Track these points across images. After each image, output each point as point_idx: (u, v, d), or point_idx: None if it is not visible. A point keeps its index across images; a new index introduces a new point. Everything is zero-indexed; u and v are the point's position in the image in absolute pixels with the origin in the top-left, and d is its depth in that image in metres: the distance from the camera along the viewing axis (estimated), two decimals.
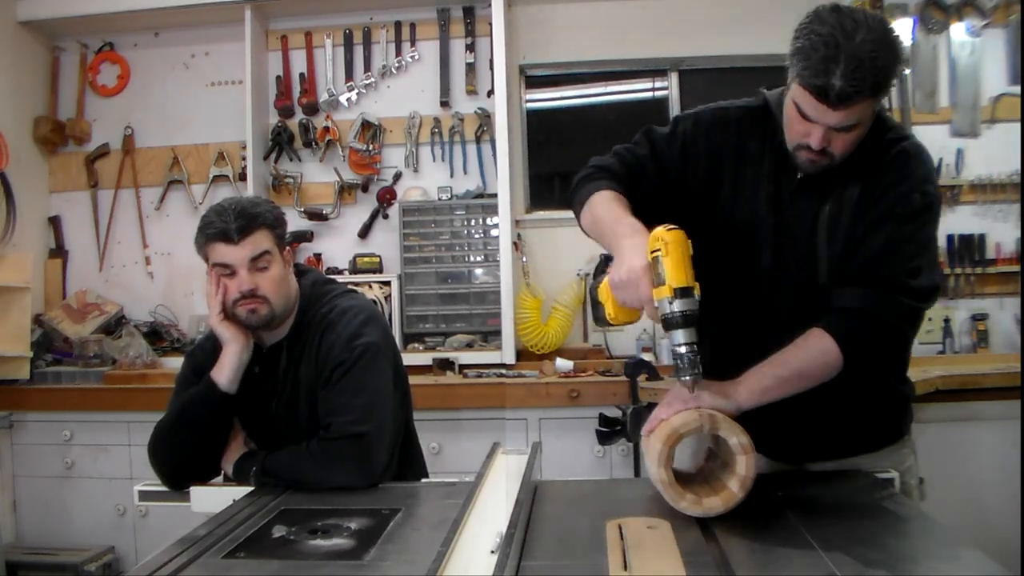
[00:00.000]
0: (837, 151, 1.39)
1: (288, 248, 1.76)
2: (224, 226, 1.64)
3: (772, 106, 1.52)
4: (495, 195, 3.36)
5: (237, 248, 1.64)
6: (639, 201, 1.51)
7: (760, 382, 1.36)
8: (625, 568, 1.08)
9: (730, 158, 1.54)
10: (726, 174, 1.54)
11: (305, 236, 3.52)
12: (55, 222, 3.73)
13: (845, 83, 1.27)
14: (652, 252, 1.27)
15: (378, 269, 3.45)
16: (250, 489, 1.61)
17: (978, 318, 3.28)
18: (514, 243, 3.34)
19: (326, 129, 3.55)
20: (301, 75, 3.61)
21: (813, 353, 1.38)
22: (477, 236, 3.45)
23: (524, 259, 3.45)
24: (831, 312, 1.40)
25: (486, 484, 1.54)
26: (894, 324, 1.40)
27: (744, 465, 1.24)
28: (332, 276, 3.35)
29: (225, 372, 1.68)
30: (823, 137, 1.36)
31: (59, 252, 3.72)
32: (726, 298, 1.51)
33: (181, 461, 1.69)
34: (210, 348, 1.75)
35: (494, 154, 3.42)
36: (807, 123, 1.37)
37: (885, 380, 1.55)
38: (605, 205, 1.50)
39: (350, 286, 1.93)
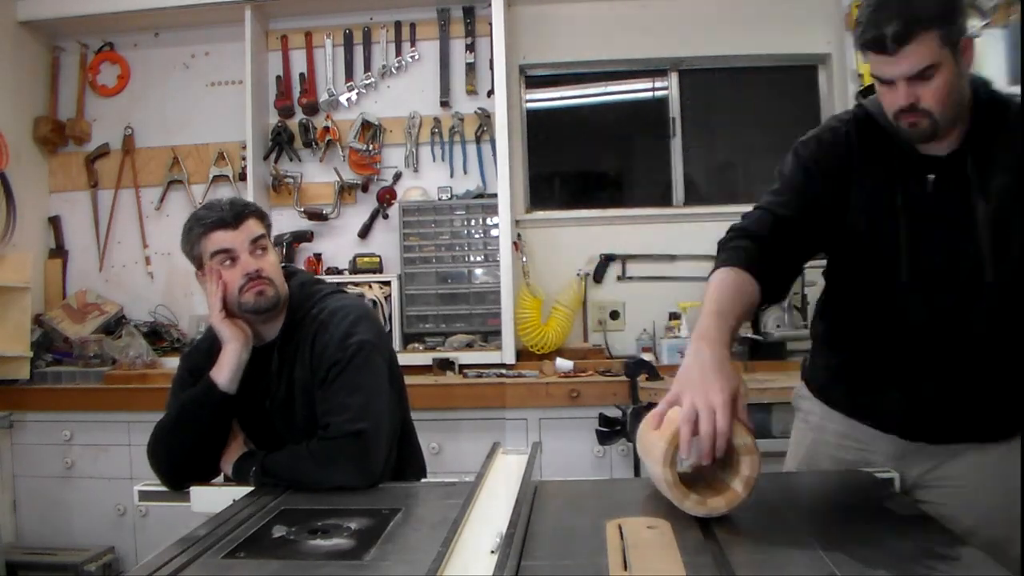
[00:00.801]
0: (932, 105, 1.35)
1: (277, 247, 1.81)
2: (220, 214, 1.69)
3: (874, 109, 1.47)
4: (495, 195, 3.36)
5: (236, 232, 1.68)
6: (789, 248, 1.48)
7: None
8: (625, 568, 1.08)
9: (854, 170, 1.49)
10: (852, 190, 1.49)
11: (305, 236, 3.52)
12: (55, 222, 3.73)
13: (896, 25, 1.28)
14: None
15: (378, 269, 3.45)
16: (250, 489, 1.61)
17: None
18: (514, 243, 3.34)
19: (326, 129, 3.55)
20: (301, 75, 3.61)
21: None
22: (477, 236, 3.45)
23: (524, 259, 3.45)
24: None
25: (486, 484, 1.54)
26: None
27: (748, 465, 1.23)
28: (332, 276, 3.39)
29: (224, 372, 1.68)
30: (907, 92, 1.34)
31: (59, 252, 3.72)
32: (863, 320, 1.50)
33: (181, 462, 1.69)
34: (205, 349, 1.76)
35: (494, 154, 3.42)
36: (889, 88, 1.36)
37: None
38: (715, 289, 1.43)
39: (340, 285, 1.95)
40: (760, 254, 1.45)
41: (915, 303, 1.46)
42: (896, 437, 1.53)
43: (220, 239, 1.68)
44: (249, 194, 3.41)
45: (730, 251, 1.48)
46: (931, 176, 1.42)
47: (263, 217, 1.76)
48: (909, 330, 1.47)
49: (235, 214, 1.69)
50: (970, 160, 1.40)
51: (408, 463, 1.86)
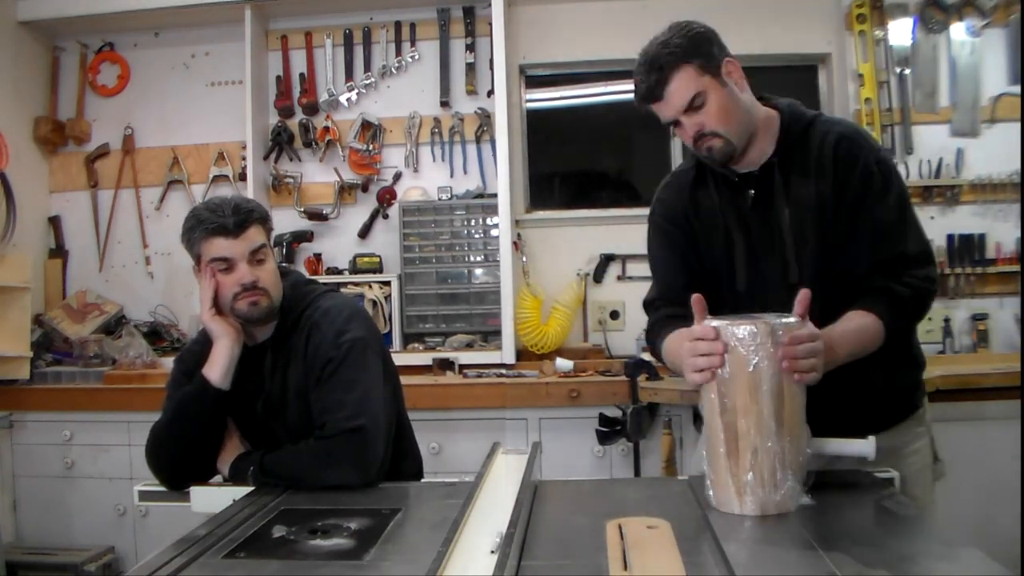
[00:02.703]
0: (716, 126, 1.53)
1: (275, 248, 1.80)
2: (221, 220, 1.65)
3: (697, 155, 1.64)
4: (495, 195, 3.36)
5: (236, 242, 1.66)
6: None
7: (849, 343, 1.44)
8: (625, 568, 1.08)
9: (690, 213, 1.68)
10: (696, 229, 1.67)
11: (305, 236, 3.52)
12: (55, 222, 3.73)
13: (654, 75, 1.53)
14: None
15: (378, 269, 3.45)
16: (250, 489, 1.61)
17: (978, 318, 3.28)
18: (514, 243, 3.34)
19: (326, 129, 3.55)
20: (301, 75, 3.61)
21: (865, 325, 1.47)
22: (477, 236, 3.45)
23: (524, 259, 3.45)
24: (865, 294, 1.50)
25: (486, 484, 1.54)
26: (921, 298, 1.53)
27: None
28: (332, 276, 3.39)
29: (217, 368, 1.68)
30: (690, 123, 1.54)
31: (59, 252, 3.72)
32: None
33: (178, 461, 1.69)
34: (198, 350, 1.76)
35: (494, 154, 3.42)
36: (679, 128, 1.57)
37: (901, 352, 1.61)
38: (668, 344, 1.61)
39: (339, 285, 1.95)
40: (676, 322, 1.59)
41: (761, 304, 1.53)
42: None
43: (219, 247, 1.67)
44: (249, 194, 3.41)
45: (659, 329, 1.66)
46: (751, 191, 1.60)
47: (266, 221, 1.74)
48: None
49: (238, 222, 1.66)
50: (776, 171, 1.57)
51: (404, 459, 1.86)
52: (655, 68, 1.53)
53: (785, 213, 1.56)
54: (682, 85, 1.52)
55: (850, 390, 1.49)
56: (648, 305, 1.75)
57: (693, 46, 1.54)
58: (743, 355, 1.29)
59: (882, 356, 1.52)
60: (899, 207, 1.55)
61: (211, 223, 1.66)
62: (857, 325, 1.48)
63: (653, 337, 1.71)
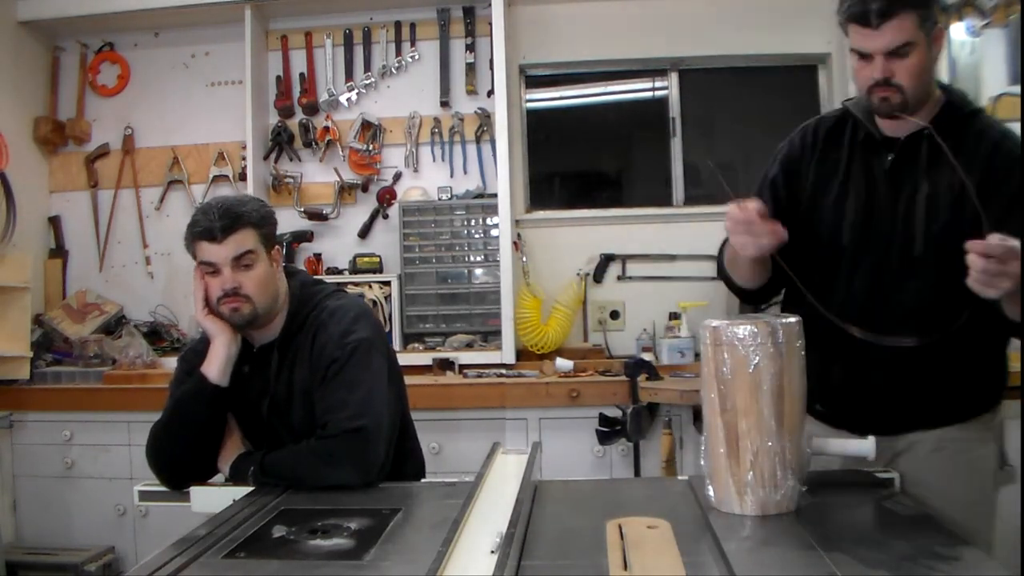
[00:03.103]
0: (904, 81, 1.48)
1: (277, 248, 1.76)
2: (208, 225, 1.65)
3: (852, 106, 1.64)
4: (495, 195, 3.35)
5: (221, 247, 1.65)
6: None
7: None
8: (625, 568, 1.08)
9: (814, 160, 1.67)
10: (810, 175, 1.66)
11: (305, 236, 3.52)
12: (55, 222, 3.73)
13: (880, 1, 1.42)
14: None
15: (378, 269, 3.45)
16: (250, 489, 1.61)
17: None
18: (514, 243, 3.34)
19: (326, 129, 3.55)
20: (301, 75, 3.61)
21: None
22: (477, 236, 3.45)
23: (524, 259, 3.44)
24: None
25: (486, 484, 1.54)
26: None
27: None
28: (332, 276, 3.39)
29: (214, 365, 1.68)
30: (883, 66, 1.48)
31: (59, 252, 3.72)
32: (813, 289, 1.58)
33: (178, 460, 1.69)
34: (201, 349, 1.75)
35: (494, 154, 3.42)
36: (867, 62, 1.50)
37: (987, 351, 1.61)
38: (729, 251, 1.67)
39: (340, 285, 1.94)
40: None
41: (860, 270, 1.57)
42: (846, 432, 1.58)
43: (205, 251, 1.67)
44: (247, 194, 3.40)
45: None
46: (890, 156, 1.58)
47: (261, 224, 1.70)
48: (852, 298, 1.56)
49: (223, 226, 1.64)
50: (925, 144, 1.54)
51: (407, 461, 1.86)
52: None
53: (924, 186, 1.54)
54: (903, 27, 1.45)
55: (928, 384, 1.52)
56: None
57: None
58: (743, 355, 1.29)
59: (958, 353, 1.53)
60: None
61: (199, 227, 1.66)
62: None
63: (720, 256, 1.75)
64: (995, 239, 1.30)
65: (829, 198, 1.63)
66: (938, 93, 1.59)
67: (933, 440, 1.57)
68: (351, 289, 3.30)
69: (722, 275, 1.78)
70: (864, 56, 1.51)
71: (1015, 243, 1.30)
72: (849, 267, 1.60)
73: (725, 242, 1.72)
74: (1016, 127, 3.17)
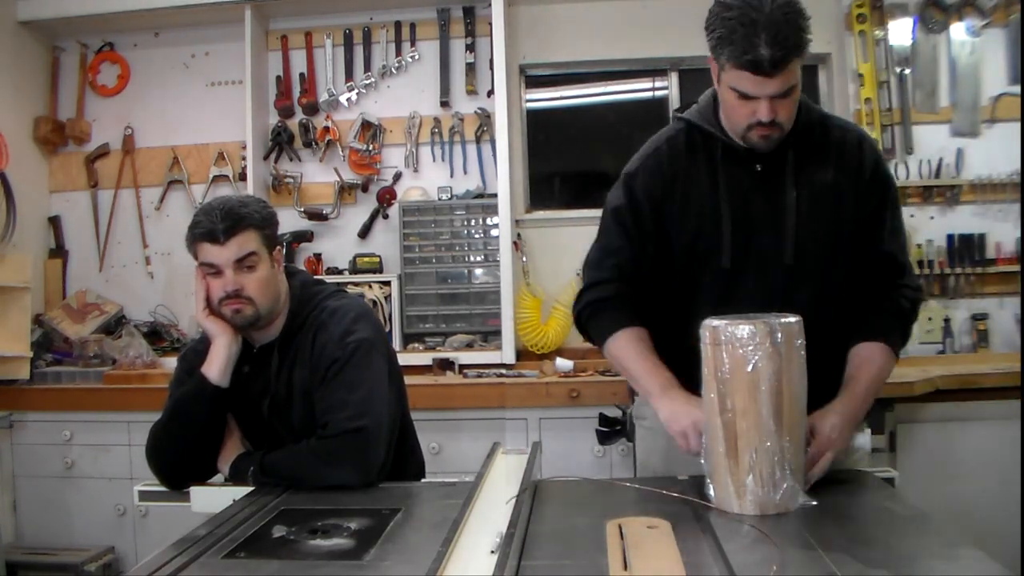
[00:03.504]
0: (784, 119, 1.50)
1: (279, 248, 1.75)
2: (211, 226, 1.64)
3: (696, 119, 1.63)
4: (495, 195, 3.35)
5: (223, 249, 1.65)
6: (640, 277, 1.65)
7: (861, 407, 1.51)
8: (625, 568, 1.08)
9: (678, 183, 1.63)
10: (677, 199, 1.62)
11: (305, 236, 3.52)
12: (55, 222, 3.73)
13: (773, 50, 1.39)
14: None
15: (378, 269, 3.45)
16: (250, 489, 1.61)
17: (978, 318, 3.28)
18: (514, 243, 3.34)
19: (326, 129, 3.55)
20: (301, 75, 3.61)
21: (884, 367, 1.54)
22: (477, 236, 3.45)
23: (524, 259, 3.44)
24: (873, 320, 1.56)
25: (486, 484, 1.54)
26: (916, 309, 1.61)
27: None
28: (332, 276, 3.39)
29: (215, 366, 1.68)
30: (770, 108, 1.46)
31: (59, 252, 3.72)
32: (698, 303, 1.59)
33: (178, 460, 1.69)
34: (202, 349, 1.75)
35: (494, 154, 3.42)
36: (750, 102, 1.47)
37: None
38: (625, 354, 1.61)
39: (340, 286, 1.94)
40: (630, 309, 1.64)
41: (746, 284, 1.57)
42: None
43: (207, 252, 1.66)
44: (247, 194, 3.40)
45: (607, 319, 1.64)
46: (758, 165, 1.58)
47: (263, 226, 1.69)
48: (740, 308, 1.50)
49: (226, 228, 1.63)
50: (791, 151, 1.56)
51: (407, 461, 1.86)
52: (779, 43, 1.40)
53: (792, 194, 1.56)
54: (791, 72, 1.46)
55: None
56: (594, 267, 1.68)
57: (806, 31, 1.47)
58: (742, 355, 1.29)
59: (834, 355, 1.56)
60: (901, 217, 1.64)
61: (201, 228, 1.65)
62: (875, 374, 1.53)
63: (592, 312, 1.67)
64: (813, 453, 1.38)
65: (700, 215, 1.59)
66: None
67: None
68: (351, 289, 3.30)
69: (582, 329, 1.73)
70: (745, 97, 1.48)
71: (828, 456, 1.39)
72: (732, 281, 1.58)
73: (598, 313, 1.66)
74: (1016, 127, 3.19)
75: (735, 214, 1.58)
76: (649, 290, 1.66)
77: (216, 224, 1.64)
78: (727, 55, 1.44)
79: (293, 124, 3.59)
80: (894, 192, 1.62)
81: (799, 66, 1.47)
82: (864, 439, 1.45)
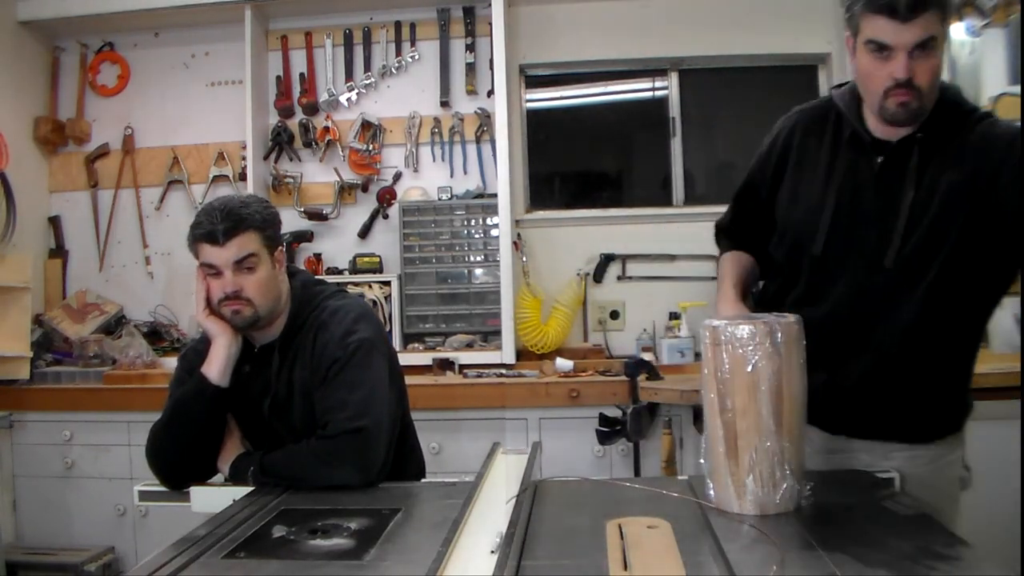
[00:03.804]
0: (923, 82, 1.38)
1: (280, 249, 1.75)
2: (211, 227, 1.64)
3: (837, 99, 1.56)
4: (495, 195, 3.35)
5: (222, 250, 1.65)
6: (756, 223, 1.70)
7: None
8: (625, 568, 1.08)
9: (793, 152, 1.60)
10: (788, 169, 1.60)
11: (305, 236, 3.52)
12: (55, 222, 3.73)
13: None
14: None
15: (378, 269, 3.45)
16: (250, 489, 1.61)
17: None
18: (514, 243, 3.34)
19: (326, 129, 3.55)
20: (301, 75, 3.61)
21: None
22: (477, 236, 3.45)
23: (524, 259, 3.44)
24: None
25: (486, 484, 1.54)
26: None
27: None
28: (332, 276, 3.38)
29: (215, 366, 1.68)
30: (906, 64, 1.36)
31: (59, 252, 3.72)
32: (787, 287, 1.59)
33: (178, 459, 1.69)
34: (202, 349, 1.75)
35: (494, 154, 3.42)
36: (886, 59, 1.38)
37: (962, 372, 1.59)
38: (726, 264, 1.74)
39: (340, 286, 1.94)
40: (739, 241, 1.74)
41: (841, 281, 1.51)
42: (818, 429, 1.55)
43: (207, 253, 1.66)
44: (248, 194, 3.40)
45: (721, 242, 1.80)
46: (880, 158, 1.49)
47: (263, 227, 1.68)
48: (835, 306, 1.51)
49: (226, 229, 1.63)
50: (916, 149, 1.45)
51: (407, 461, 1.86)
52: None
53: (911, 194, 1.44)
54: (930, 21, 1.35)
55: (908, 400, 1.49)
56: (723, 227, 1.80)
57: None
58: (742, 355, 1.29)
59: (945, 372, 1.51)
60: None
61: (201, 228, 1.66)
62: None
63: (717, 234, 1.82)
64: None
65: (808, 200, 1.55)
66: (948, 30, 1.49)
67: (905, 454, 1.55)
68: (351, 289, 3.30)
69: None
70: (882, 52, 1.38)
71: None
72: (829, 274, 1.52)
73: (720, 234, 1.80)
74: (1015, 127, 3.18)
75: (840, 200, 1.50)
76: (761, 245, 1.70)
77: (216, 225, 1.64)
78: (862, 4, 1.37)
79: (293, 124, 3.59)
80: None
81: (941, 22, 1.36)
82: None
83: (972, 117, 1.47)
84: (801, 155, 1.59)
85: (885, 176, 1.48)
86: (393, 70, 3.59)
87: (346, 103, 3.59)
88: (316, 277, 1.96)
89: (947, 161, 1.44)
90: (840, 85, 1.62)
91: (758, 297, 1.75)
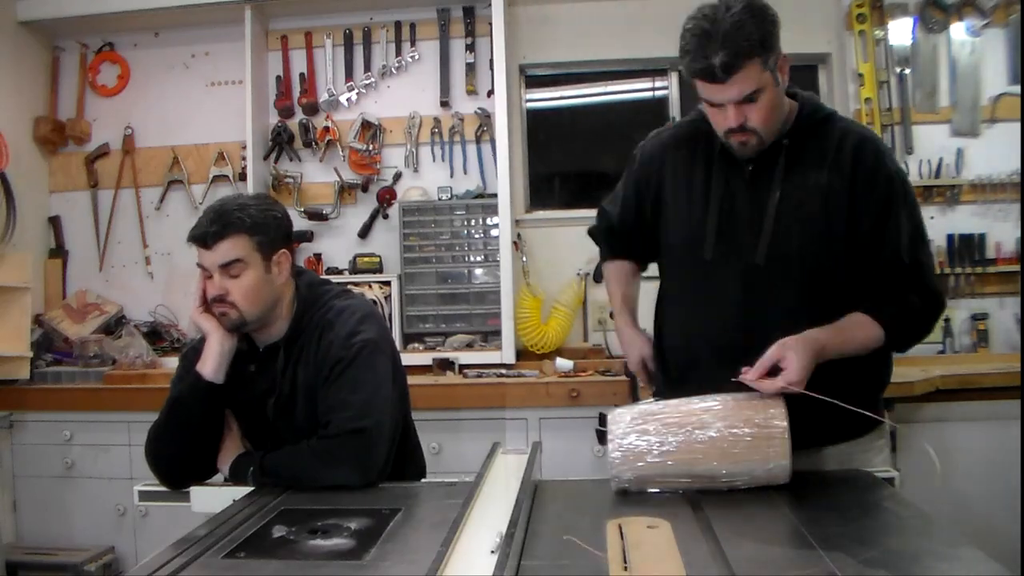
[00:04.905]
0: (758, 124, 1.50)
1: (283, 252, 1.73)
2: (201, 230, 1.65)
3: (704, 116, 1.62)
4: (495, 195, 3.35)
5: (210, 253, 1.65)
6: (629, 239, 1.84)
7: (834, 344, 1.47)
8: (625, 568, 1.08)
9: (668, 171, 1.70)
10: (666, 188, 1.70)
11: (305, 236, 3.52)
12: (55, 222, 3.73)
13: (723, 56, 1.40)
14: None
15: (378, 269, 3.45)
16: (250, 489, 1.61)
17: (978, 318, 3.28)
18: (514, 243, 3.34)
19: (326, 129, 3.55)
20: (301, 75, 3.61)
21: (869, 335, 1.51)
22: (477, 236, 3.45)
23: (524, 259, 3.44)
24: (878, 302, 1.53)
25: (486, 484, 1.54)
26: (931, 311, 1.58)
27: None
28: (332, 276, 3.38)
29: (209, 363, 1.68)
30: (735, 113, 1.48)
31: (59, 252, 3.72)
32: (684, 292, 1.68)
33: (176, 458, 1.69)
34: (202, 348, 1.76)
35: (494, 154, 3.42)
36: (720, 109, 1.50)
37: (871, 367, 1.61)
38: (610, 277, 1.92)
39: (347, 286, 1.94)
40: (620, 247, 1.87)
41: (726, 281, 1.59)
42: None
43: (199, 254, 1.68)
44: (261, 194, 3.38)
45: (601, 249, 1.94)
46: (750, 167, 1.59)
47: (255, 230, 1.66)
48: (728, 308, 1.58)
49: (214, 233, 1.63)
50: (784, 154, 1.57)
51: (408, 462, 1.86)
52: (727, 49, 1.41)
53: (776, 194, 1.56)
54: (748, 77, 1.44)
55: (814, 402, 1.44)
56: (602, 219, 1.90)
57: (767, 36, 1.44)
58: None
59: (851, 369, 1.51)
60: (917, 218, 1.58)
61: (195, 230, 1.67)
62: (855, 327, 1.51)
63: (595, 234, 1.94)
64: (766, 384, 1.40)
65: (688, 210, 1.65)
66: (791, 102, 1.59)
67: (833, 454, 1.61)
68: (351, 289, 3.30)
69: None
70: (712, 105, 1.51)
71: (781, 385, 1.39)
72: (715, 277, 1.61)
73: (598, 240, 1.94)
74: (1016, 127, 3.19)
75: (722, 207, 1.60)
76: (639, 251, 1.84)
77: (206, 228, 1.65)
78: (685, 67, 1.48)
79: (293, 124, 3.59)
80: (904, 194, 1.57)
81: (762, 69, 1.45)
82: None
83: (829, 122, 1.60)
84: (676, 170, 1.69)
85: (756, 182, 1.59)
86: (393, 70, 3.59)
87: (346, 103, 3.59)
88: (322, 277, 1.96)
89: (810, 162, 1.56)
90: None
91: (656, 323, 1.81)
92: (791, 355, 1.40)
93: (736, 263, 1.59)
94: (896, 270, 1.54)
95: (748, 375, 1.41)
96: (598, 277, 3.48)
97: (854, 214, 1.54)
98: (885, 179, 1.55)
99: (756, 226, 1.57)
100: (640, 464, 1.40)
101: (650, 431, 1.42)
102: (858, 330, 1.51)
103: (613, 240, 1.88)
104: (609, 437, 1.44)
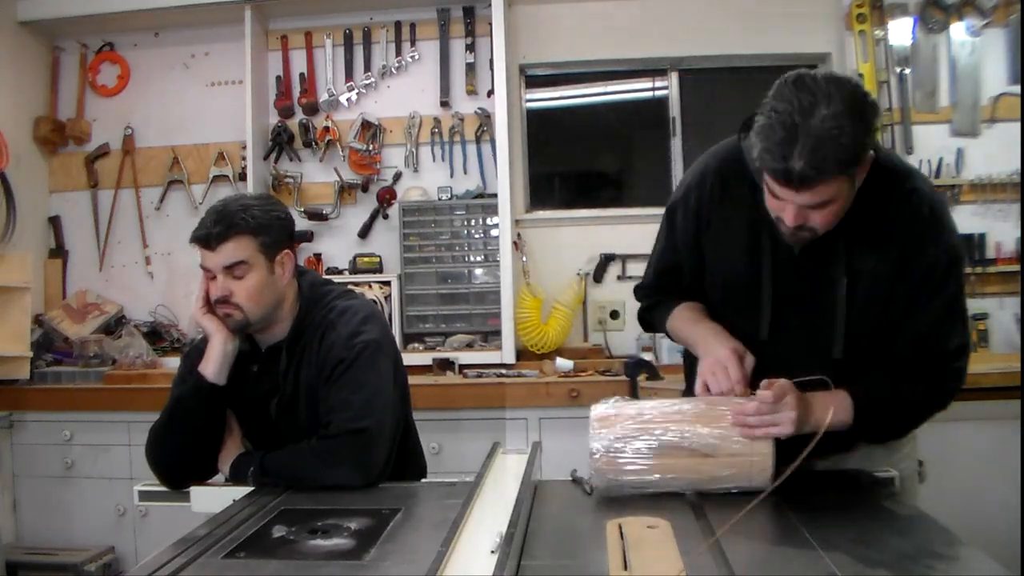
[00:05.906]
0: (818, 226, 1.34)
1: (286, 252, 1.73)
2: (205, 231, 1.64)
3: (747, 154, 1.39)
4: (495, 195, 3.35)
5: (213, 255, 1.65)
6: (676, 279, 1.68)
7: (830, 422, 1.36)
8: (625, 568, 1.08)
9: (712, 216, 1.56)
10: (709, 235, 1.57)
11: (305, 236, 3.52)
12: (55, 222, 3.73)
13: (806, 165, 1.22)
14: None
15: (378, 269, 3.45)
16: (250, 489, 1.61)
17: (978, 318, 3.28)
18: (514, 243, 3.34)
19: (326, 129, 3.55)
20: (301, 75, 3.61)
21: (846, 410, 1.41)
22: (477, 236, 3.45)
23: (524, 259, 3.45)
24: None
25: (486, 484, 1.54)
26: (944, 400, 1.53)
27: None
28: (332, 276, 3.38)
29: (211, 364, 1.68)
30: (796, 215, 1.31)
31: (59, 252, 3.72)
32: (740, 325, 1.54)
33: (177, 458, 1.69)
34: (204, 348, 1.75)
35: (494, 154, 3.42)
36: (779, 200, 1.32)
37: None
38: (679, 326, 1.63)
39: (349, 286, 1.94)
40: (676, 295, 1.67)
41: (775, 357, 1.46)
42: None
43: (202, 255, 1.67)
44: (264, 194, 3.38)
45: (663, 305, 1.69)
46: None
47: (259, 231, 1.66)
48: (780, 371, 1.43)
49: (217, 234, 1.63)
50: (842, 239, 1.40)
51: (409, 463, 1.86)
52: (812, 160, 1.22)
53: (843, 282, 1.41)
54: (829, 190, 1.27)
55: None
56: (647, 268, 1.76)
57: (861, 149, 1.27)
58: None
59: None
60: (951, 303, 1.43)
61: (198, 230, 1.66)
62: (838, 403, 1.40)
63: (654, 314, 1.72)
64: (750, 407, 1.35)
65: (733, 263, 1.52)
66: (870, 155, 1.33)
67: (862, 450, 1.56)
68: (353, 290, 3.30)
69: (653, 329, 1.78)
70: (775, 197, 1.34)
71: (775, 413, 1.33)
72: (765, 353, 1.47)
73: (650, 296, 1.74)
74: (1016, 127, 3.19)
75: (776, 282, 1.46)
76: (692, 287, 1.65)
77: (209, 229, 1.64)
78: (758, 152, 1.28)
79: (293, 124, 3.59)
80: (944, 277, 1.41)
81: (844, 180, 1.28)
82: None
83: (891, 182, 1.41)
84: (715, 210, 1.55)
85: (809, 257, 1.43)
86: (393, 70, 3.59)
87: (346, 103, 3.59)
88: (324, 277, 1.96)
89: (871, 244, 1.41)
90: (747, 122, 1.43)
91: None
92: (793, 415, 1.34)
93: (797, 351, 1.46)
94: (920, 352, 1.44)
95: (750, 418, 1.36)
96: (598, 277, 3.48)
97: (895, 297, 1.42)
98: (927, 264, 1.40)
99: (821, 315, 1.44)
100: (619, 477, 1.40)
101: (626, 449, 1.39)
102: (841, 406, 1.40)
103: (660, 291, 1.72)
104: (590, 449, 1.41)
